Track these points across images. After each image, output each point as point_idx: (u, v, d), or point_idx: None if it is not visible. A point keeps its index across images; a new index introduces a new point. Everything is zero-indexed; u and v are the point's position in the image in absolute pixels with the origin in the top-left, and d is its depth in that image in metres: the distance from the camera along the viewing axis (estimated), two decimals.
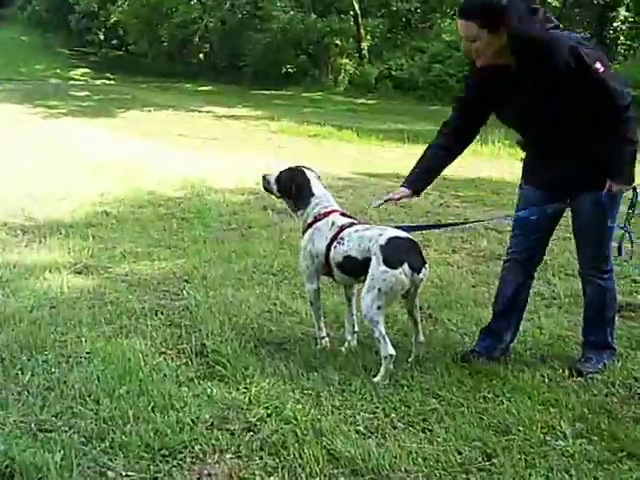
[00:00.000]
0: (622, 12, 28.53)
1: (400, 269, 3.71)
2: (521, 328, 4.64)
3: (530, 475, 2.98)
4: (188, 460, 3.05)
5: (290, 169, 4.34)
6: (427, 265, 3.92)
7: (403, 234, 3.91)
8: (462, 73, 30.79)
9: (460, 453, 3.12)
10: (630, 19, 29.18)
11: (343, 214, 4.22)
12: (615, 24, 28.54)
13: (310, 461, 3.02)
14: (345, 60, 31.55)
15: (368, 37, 32.31)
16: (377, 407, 3.53)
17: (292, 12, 32.22)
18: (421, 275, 3.81)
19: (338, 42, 31.98)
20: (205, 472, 2.97)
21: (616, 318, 4.30)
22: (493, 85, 3.83)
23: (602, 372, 4.01)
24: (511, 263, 4.25)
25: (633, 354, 4.31)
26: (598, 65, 3.58)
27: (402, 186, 4.13)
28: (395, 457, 3.07)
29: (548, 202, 3.99)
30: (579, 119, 3.73)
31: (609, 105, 3.64)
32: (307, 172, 4.31)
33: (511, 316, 4.27)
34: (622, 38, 28.95)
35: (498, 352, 4.19)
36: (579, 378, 3.94)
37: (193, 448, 3.12)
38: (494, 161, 12.67)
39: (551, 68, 3.62)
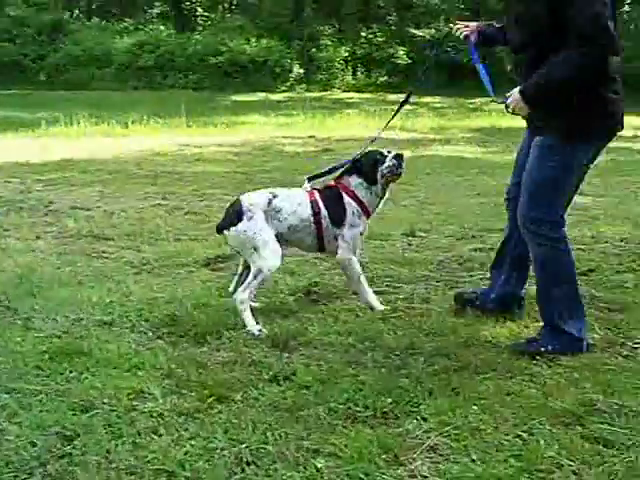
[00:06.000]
0: None
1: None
2: (107, 299, 4.45)
3: (116, 446, 2.76)
4: None
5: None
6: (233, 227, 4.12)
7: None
8: (37, 52, 28.66)
9: (34, 445, 2.76)
10: None
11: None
12: None
13: None
14: None
15: None
16: None
17: None
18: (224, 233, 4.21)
19: None
20: None
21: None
22: None
23: None
24: (509, 203, 4.04)
25: None
26: None
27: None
28: None
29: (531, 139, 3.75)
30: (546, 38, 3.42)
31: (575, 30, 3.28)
32: None
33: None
34: None
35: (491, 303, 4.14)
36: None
37: None
38: (81, 140, 13.11)
39: None
